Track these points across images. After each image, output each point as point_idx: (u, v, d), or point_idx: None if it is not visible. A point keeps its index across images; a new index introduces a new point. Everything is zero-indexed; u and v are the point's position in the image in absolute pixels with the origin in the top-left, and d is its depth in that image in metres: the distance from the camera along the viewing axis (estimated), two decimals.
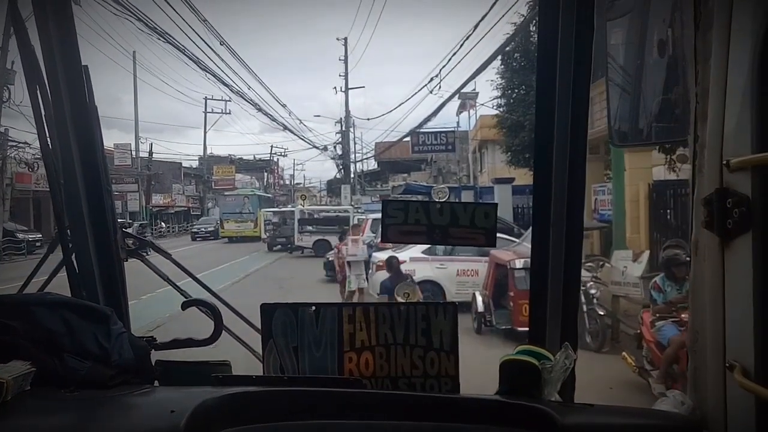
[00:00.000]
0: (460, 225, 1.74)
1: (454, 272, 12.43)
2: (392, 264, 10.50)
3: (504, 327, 9.68)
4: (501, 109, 21.18)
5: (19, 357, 1.52)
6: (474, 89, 29.02)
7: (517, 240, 11.95)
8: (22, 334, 1.58)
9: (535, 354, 1.57)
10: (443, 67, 22.53)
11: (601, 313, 8.89)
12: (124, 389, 1.58)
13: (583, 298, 8.62)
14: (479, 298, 10.41)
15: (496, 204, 1.85)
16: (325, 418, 1.47)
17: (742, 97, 1.14)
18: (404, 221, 1.76)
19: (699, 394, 1.35)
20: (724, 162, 1.17)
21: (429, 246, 11.89)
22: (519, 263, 9.25)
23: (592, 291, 9.08)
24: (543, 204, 1.76)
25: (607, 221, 14.27)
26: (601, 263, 10.46)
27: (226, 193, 40.92)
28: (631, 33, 1.83)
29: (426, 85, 24.12)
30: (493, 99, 21.68)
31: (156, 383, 1.74)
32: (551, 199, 1.74)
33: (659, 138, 2.05)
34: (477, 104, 31.12)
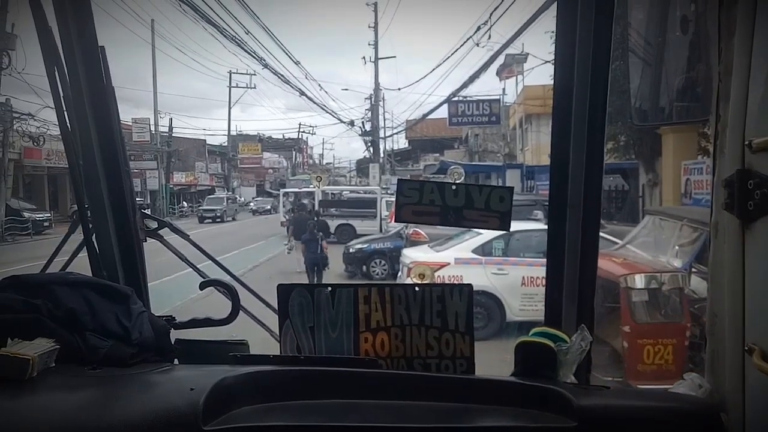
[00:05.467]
0: (475, 207, 1.73)
1: (518, 280, 8.89)
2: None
3: (607, 378, 5.30)
4: None
5: (44, 334, 1.55)
6: (522, 51, 25.58)
7: (615, 239, 8.38)
8: (45, 312, 1.62)
9: (550, 336, 1.56)
10: (494, 10, 18.64)
11: None
12: (145, 367, 1.61)
13: None
14: None
15: (512, 188, 1.83)
16: (341, 398, 1.49)
17: (767, 76, 1.11)
18: (418, 201, 1.76)
19: (717, 377, 1.34)
20: (747, 142, 1.15)
21: (482, 243, 9.34)
22: (639, 280, 5.85)
23: None
24: (560, 184, 1.74)
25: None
26: None
27: (290, 178, 47.95)
28: (653, 9, 1.79)
29: (471, 36, 20.25)
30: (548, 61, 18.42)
31: (175, 361, 1.78)
32: (568, 180, 1.72)
33: (681, 118, 2.01)
34: (524, 70, 28.03)
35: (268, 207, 43.33)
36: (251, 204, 46.92)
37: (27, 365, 1.42)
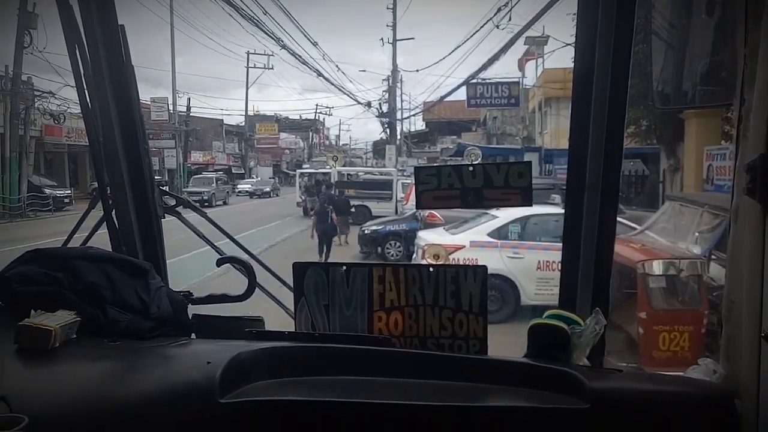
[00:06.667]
0: (494, 186, 1.72)
1: (534, 264, 8.90)
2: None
3: (621, 364, 4.91)
4: None
5: (65, 307, 1.59)
6: (543, 34, 25.25)
7: (633, 225, 8.15)
8: (66, 285, 1.66)
9: (564, 318, 1.56)
10: None
11: None
12: (163, 341, 1.65)
13: None
14: None
15: (530, 162, 1.81)
16: (354, 375, 1.50)
17: None
18: (437, 186, 1.75)
19: (732, 363, 1.34)
20: None
21: (498, 227, 9.35)
22: (657, 267, 5.79)
23: None
24: (578, 168, 1.73)
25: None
26: None
27: (313, 159, 50.65)
28: None
29: (491, 18, 20.10)
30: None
31: (193, 336, 1.81)
32: (587, 164, 1.71)
33: (704, 101, 1.97)
34: (545, 53, 27.61)
35: (268, 189, 40.32)
36: (240, 186, 40.60)
37: (50, 336, 1.46)
